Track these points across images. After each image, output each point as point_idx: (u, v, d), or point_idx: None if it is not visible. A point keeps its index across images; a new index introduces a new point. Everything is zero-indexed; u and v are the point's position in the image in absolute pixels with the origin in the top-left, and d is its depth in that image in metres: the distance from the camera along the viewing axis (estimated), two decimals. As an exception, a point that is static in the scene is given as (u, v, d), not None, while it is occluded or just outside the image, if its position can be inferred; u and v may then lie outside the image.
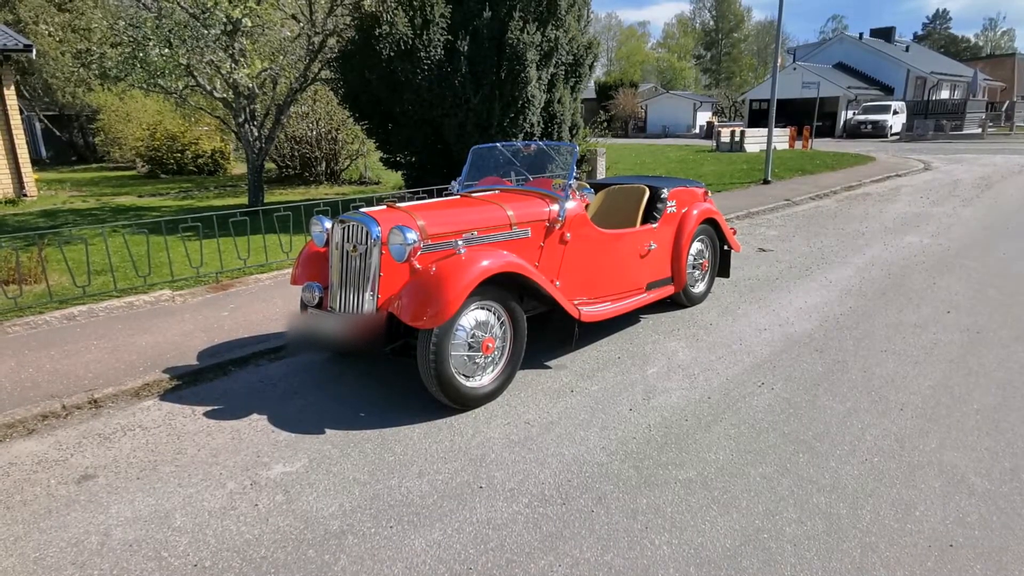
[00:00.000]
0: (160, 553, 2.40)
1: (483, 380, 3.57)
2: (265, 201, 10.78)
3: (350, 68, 8.84)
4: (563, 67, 8.97)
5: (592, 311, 4.19)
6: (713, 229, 5.44)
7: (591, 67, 9.55)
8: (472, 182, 4.73)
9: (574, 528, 2.48)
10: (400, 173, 10.36)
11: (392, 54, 8.12)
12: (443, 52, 8.20)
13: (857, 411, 3.40)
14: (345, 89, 9.36)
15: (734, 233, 5.84)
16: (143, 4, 8.64)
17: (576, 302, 4.19)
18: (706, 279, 5.49)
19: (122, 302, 5.43)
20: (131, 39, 8.31)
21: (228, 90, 9.39)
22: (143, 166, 19.06)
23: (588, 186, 4.27)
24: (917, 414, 3.36)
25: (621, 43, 68.32)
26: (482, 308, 3.52)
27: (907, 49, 39.80)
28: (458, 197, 4.24)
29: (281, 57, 10.36)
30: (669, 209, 4.94)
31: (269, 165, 17.29)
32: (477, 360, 3.51)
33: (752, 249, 7.58)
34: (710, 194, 5.52)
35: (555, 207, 4.08)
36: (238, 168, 19.42)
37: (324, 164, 14.88)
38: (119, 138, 20.39)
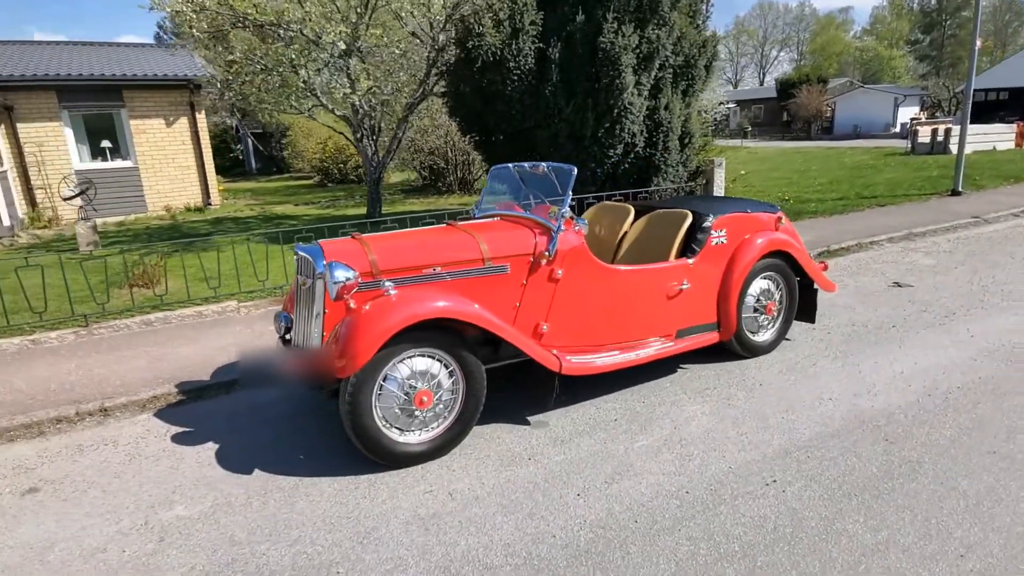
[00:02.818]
0: (11, 591, 2.41)
1: (422, 436, 3.17)
2: (383, 212, 11.30)
3: (449, 82, 8.85)
4: (670, 70, 8.07)
5: (583, 363, 3.56)
6: (787, 264, 4.39)
7: (708, 68, 8.48)
8: (490, 206, 4.33)
9: (391, 657, 2.01)
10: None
11: (483, 65, 7.95)
12: (534, 61, 7.83)
13: (887, 548, 2.40)
14: (450, 103, 9.41)
15: (824, 269, 4.68)
16: (278, 35, 9.49)
17: (568, 351, 3.60)
18: (775, 325, 4.45)
19: (193, 311, 5.91)
20: (263, 67, 9.18)
21: (348, 107, 9.98)
22: (316, 176, 21.37)
23: (583, 218, 3.63)
24: (982, 567, 2.27)
25: (816, 34, 61.66)
26: (424, 356, 3.13)
27: None
28: (443, 226, 3.87)
29: (403, 74, 10.80)
30: (715, 240, 4.06)
31: (412, 175, 18.34)
32: (416, 414, 3.13)
33: (884, 283, 6.11)
34: (785, 220, 4.46)
35: (543, 240, 3.52)
36: (395, 177, 20.89)
37: (456, 174, 15.29)
38: (302, 151, 23.11)
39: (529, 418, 3.63)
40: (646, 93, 7.93)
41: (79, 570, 2.50)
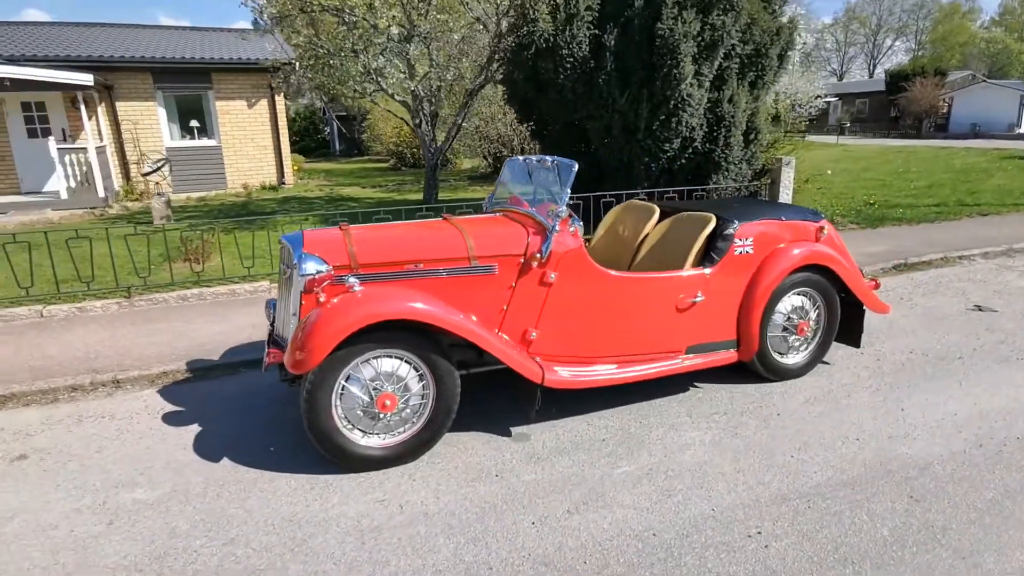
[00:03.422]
0: (-39, 558, 2.48)
1: (387, 440, 3.03)
2: (439, 199, 11.29)
3: (505, 69, 8.63)
4: (737, 59, 7.45)
5: (572, 376, 3.29)
6: (827, 279, 3.89)
7: (782, 57, 7.76)
8: (503, 199, 4.12)
9: None
10: (558, 177, 9.88)
11: (536, 52, 7.67)
12: (588, 48, 7.45)
13: (876, 631, 2.01)
14: (507, 91, 9.20)
15: (875, 287, 4.12)
16: (343, 20, 9.59)
17: (559, 361, 3.34)
18: (809, 347, 3.97)
19: (227, 289, 6.08)
20: (325, 51, 9.32)
21: (407, 93, 9.98)
22: (391, 160, 21.83)
23: (577, 217, 3.35)
24: (996, 676, 1.84)
25: (938, 22, 56.21)
26: (392, 357, 2.97)
27: None
28: (436, 220, 3.69)
29: (465, 61, 10.67)
30: (738, 249, 3.64)
31: (482, 162, 18.29)
32: (381, 417, 2.99)
33: (962, 305, 5.36)
34: (828, 230, 3.94)
35: (536, 240, 3.27)
36: (468, 163, 20.97)
37: (520, 163, 15.05)
38: (380, 135, 23.67)
39: (512, 429, 3.40)
40: (708, 84, 7.36)
41: (28, 545, 2.54)
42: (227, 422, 3.59)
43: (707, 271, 3.58)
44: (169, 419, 3.66)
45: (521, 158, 4.01)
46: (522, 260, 3.26)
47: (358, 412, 2.95)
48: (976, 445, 3.12)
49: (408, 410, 3.04)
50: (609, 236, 4.54)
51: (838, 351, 4.33)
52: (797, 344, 3.92)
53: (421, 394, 3.05)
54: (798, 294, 3.87)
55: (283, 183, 15.62)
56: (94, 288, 5.87)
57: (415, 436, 3.05)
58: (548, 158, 3.67)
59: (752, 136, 7.95)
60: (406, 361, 3.00)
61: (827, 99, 34.15)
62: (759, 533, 2.49)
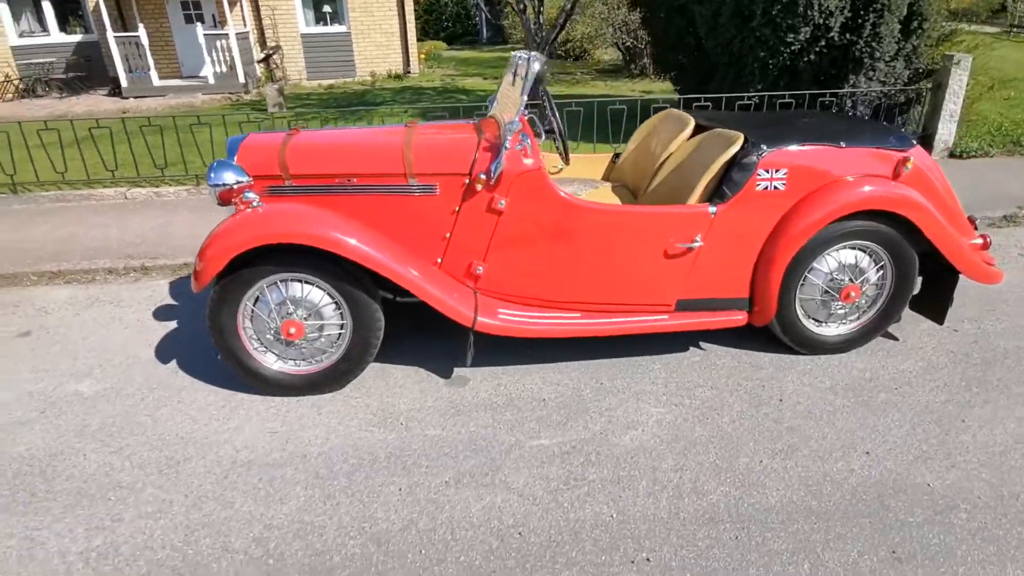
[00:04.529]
0: (-79, 424, 2.78)
1: (300, 368, 2.84)
2: (544, 95, 10.45)
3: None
4: (906, -87, 5.55)
5: (513, 321, 2.80)
6: (901, 231, 2.85)
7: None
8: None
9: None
10: (669, 75, 8.55)
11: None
12: (702, -93, 6.00)
13: None
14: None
15: (985, 247, 2.98)
16: None
17: (509, 301, 2.87)
18: (860, 317, 3.04)
19: (284, 183, 6.16)
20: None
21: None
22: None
23: (537, 130, 2.68)
24: None
25: None
26: (300, 282, 2.71)
27: None
28: (398, 127, 3.20)
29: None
30: (762, 184, 2.75)
31: (616, 54, 16.63)
32: (294, 344, 2.79)
33: None
34: (916, 163, 2.82)
35: (485, 157, 2.71)
36: (606, 56, 19.27)
37: (650, 55, 13.42)
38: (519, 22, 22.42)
39: (456, 370, 3.05)
40: (856, -49, 5.64)
41: (-28, 420, 2.79)
42: (203, 322, 3.65)
43: (713, 209, 2.77)
44: (158, 313, 3.81)
45: (517, 55, 3.31)
46: (467, 181, 2.73)
47: (269, 336, 2.78)
48: (1047, 491, 2.20)
49: (323, 339, 2.80)
50: (640, 151, 3.75)
51: (920, 325, 3.31)
52: (841, 312, 3.01)
53: (339, 324, 2.79)
54: (854, 248, 2.90)
55: (408, 72, 15.51)
56: (175, 174, 6.25)
57: (332, 367, 2.83)
58: (527, 55, 2.97)
59: (915, 25, 6.09)
60: (319, 287, 2.72)
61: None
62: (647, 560, 1.97)
